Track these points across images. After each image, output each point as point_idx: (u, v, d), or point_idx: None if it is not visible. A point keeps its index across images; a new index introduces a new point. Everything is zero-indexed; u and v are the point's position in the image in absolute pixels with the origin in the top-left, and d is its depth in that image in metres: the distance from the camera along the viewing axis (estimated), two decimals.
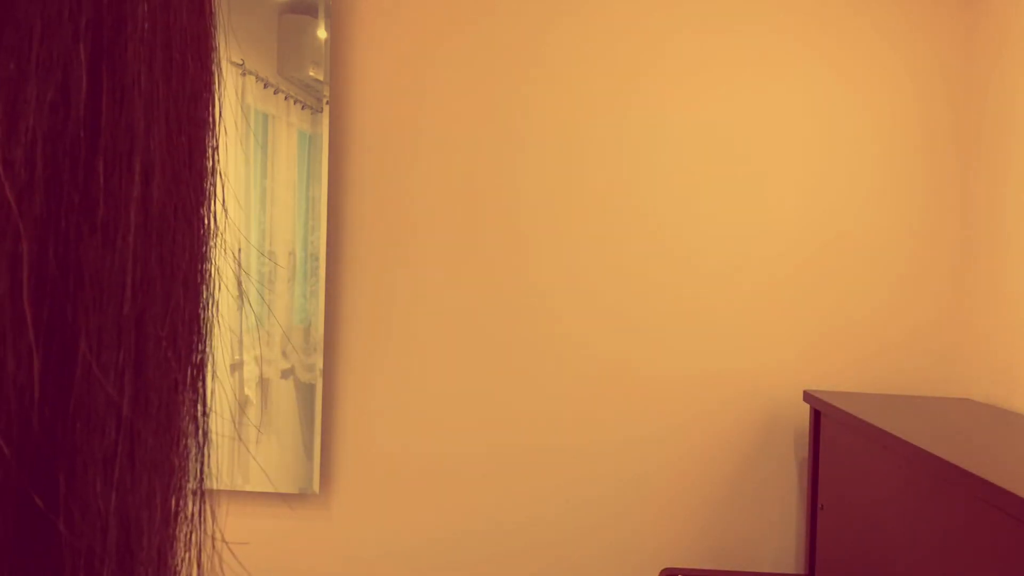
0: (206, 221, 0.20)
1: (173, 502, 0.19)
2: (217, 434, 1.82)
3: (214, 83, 0.19)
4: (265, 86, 1.78)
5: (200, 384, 0.20)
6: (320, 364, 1.81)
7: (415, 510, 1.84)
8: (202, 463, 0.20)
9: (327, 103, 1.79)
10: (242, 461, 1.82)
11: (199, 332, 0.19)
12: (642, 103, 1.82)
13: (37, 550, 0.15)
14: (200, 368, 0.20)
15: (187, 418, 0.19)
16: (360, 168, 1.83)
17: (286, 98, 1.80)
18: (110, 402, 0.16)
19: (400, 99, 1.83)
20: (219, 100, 0.19)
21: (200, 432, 0.20)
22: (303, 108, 1.81)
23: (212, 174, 0.20)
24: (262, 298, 1.80)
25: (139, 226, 0.16)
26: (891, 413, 1.45)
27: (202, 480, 0.20)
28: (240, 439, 1.82)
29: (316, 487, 1.82)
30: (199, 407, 0.20)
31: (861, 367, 1.80)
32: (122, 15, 0.15)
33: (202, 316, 0.20)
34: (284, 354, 1.84)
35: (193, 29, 0.18)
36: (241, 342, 1.78)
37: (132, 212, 0.16)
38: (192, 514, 0.20)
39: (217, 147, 0.20)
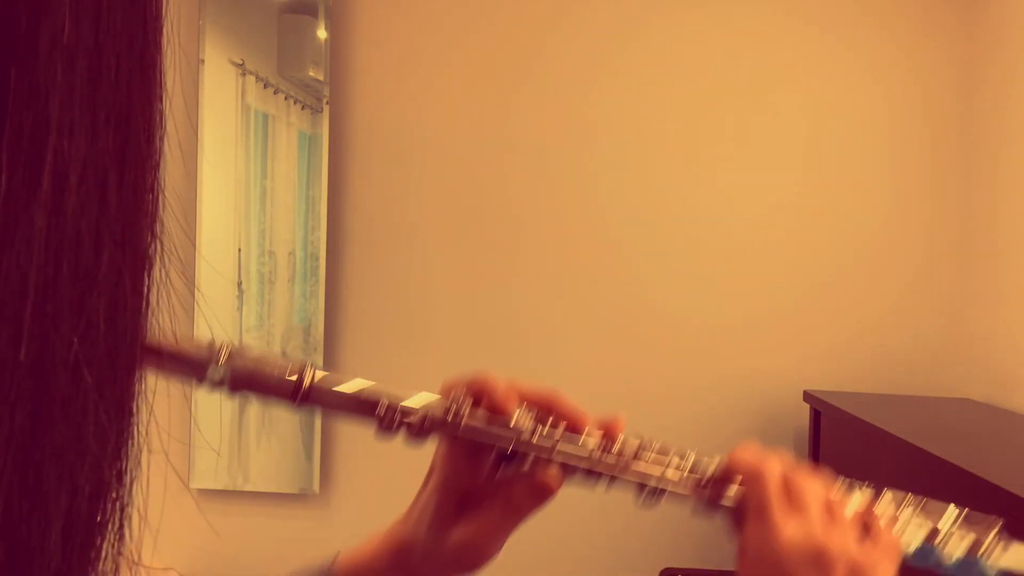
0: (148, 231, 0.18)
1: (78, 534, 0.17)
2: (220, 437, 1.82)
3: (157, 92, 0.18)
4: (265, 86, 1.78)
5: (130, 403, 0.18)
6: (320, 364, 1.80)
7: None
8: (120, 491, 0.18)
9: (327, 103, 1.79)
10: (242, 461, 1.82)
11: (128, 349, 0.18)
12: (643, 101, 1.82)
13: None
14: (127, 386, 0.18)
15: (107, 442, 0.18)
16: (360, 168, 1.83)
17: (286, 98, 1.80)
18: None
19: (400, 99, 1.83)
20: (165, 110, 0.18)
21: (123, 459, 0.18)
22: (303, 108, 1.81)
23: (155, 184, 0.18)
24: (260, 303, 1.80)
25: (48, 232, 0.15)
26: (891, 413, 1.45)
27: (121, 511, 0.18)
28: (240, 439, 1.82)
29: (316, 487, 1.82)
30: (126, 431, 0.18)
31: (861, 367, 1.80)
32: (38, 13, 0.15)
33: (134, 333, 0.18)
34: (284, 354, 1.84)
35: (131, 34, 0.17)
36: (241, 342, 1.78)
37: (39, 216, 0.15)
38: (107, 547, 0.18)
39: (160, 159, 0.18)
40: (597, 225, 1.82)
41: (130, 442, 0.19)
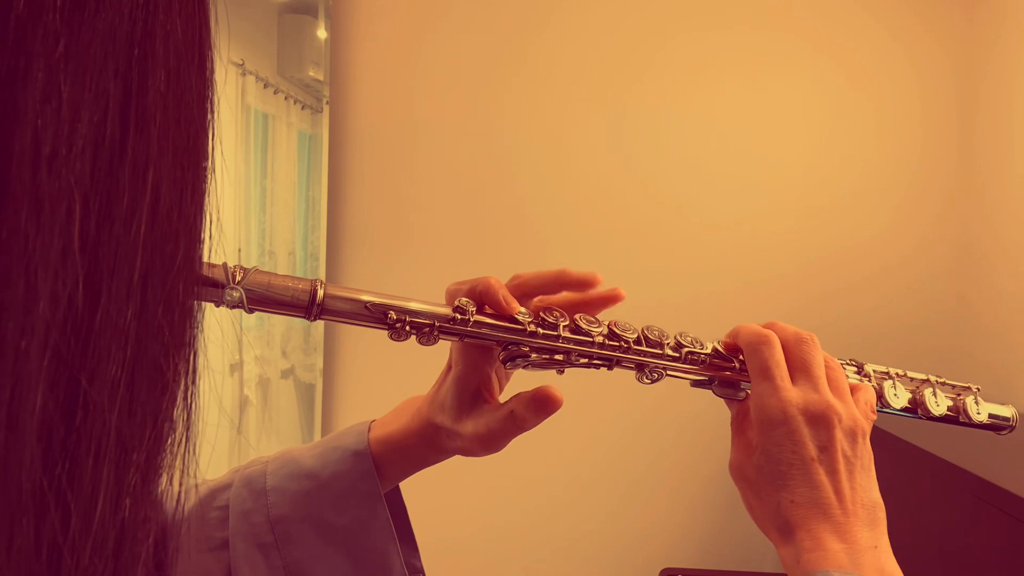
0: (202, 231, 0.26)
1: (152, 477, 0.23)
2: (217, 428, 1.82)
3: (210, 130, 0.26)
4: (265, 86, 1.78)
5: (191, 360, 0.25)
6: (320, 364, 1.80)
7: (412, 512, 1.84)
8: (186, 447, 0.25)
9: (327, 103, 1.79)
10: (243, 460, 1.82)
11: (191, 323, 0.25)
12: (643, 97, 1.82)
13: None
14: (190, 349, 0.25)
15: (173, 394, 0.24)
16: (360, 168, 1.83)
17: (286, 98, 1.80)
18: (119, 334, 0.22)
19: (400, 99, 1.83)
20: (212, 143, 0.26)
21: (186, 417, 0.25)
22: (303, 108, 1.81)
23: (207, 193, 0.26)
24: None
25: (148, 222, 0.22)
26: None
27: (185, 459, 0.25)
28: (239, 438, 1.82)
29: None
30: (186, 384, 0.25)
31: None
32: (145, 73, 0.22)
33: (193, 312, 0.25)
34: (284, 354, 1.84)
35: (198, 90, 0.25)
36: (241, 342, 1.78)
37: (144, 210, 0.22)
38: (172, 491, 0.25)
39: (209, 177, 0.26)
40: (605, 223, 1.82)
41: (193, 412, 0.26)
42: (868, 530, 0.49)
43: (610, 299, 0.54)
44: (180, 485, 0.25)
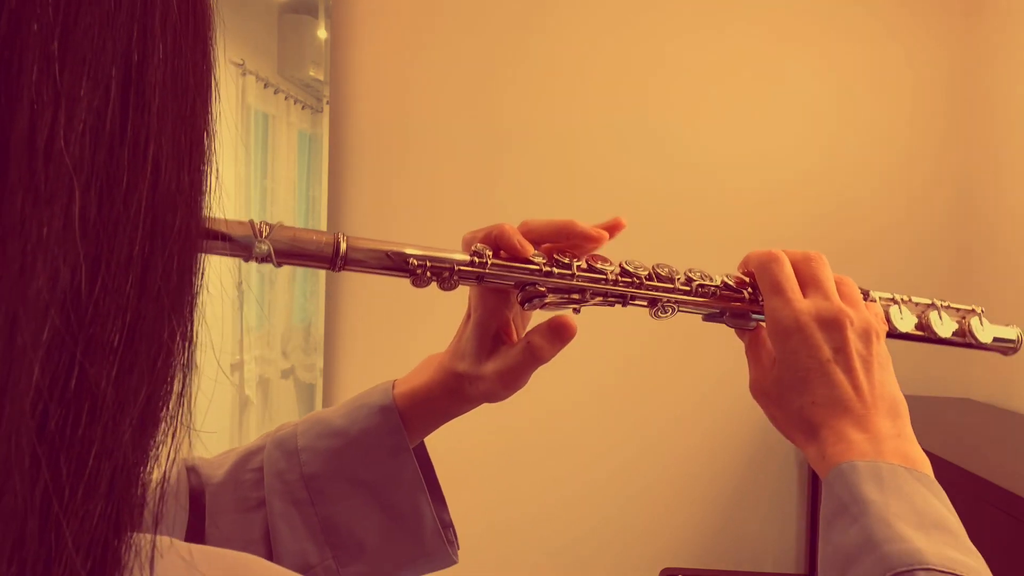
0: (202, 199, 0.26)
1: (147, 430, 0.24)
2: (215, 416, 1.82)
3: (211, 110, 0.26)
4: (265, 86, 1.78)
5: (188, 324, 0.25)
6: (320, 364, 1.80)
7: None
8: (180, 404, 0.26)
9: (327, 103, 1.79)
10: None
11: (189, 287, 0.25)
12: (642, 99, 1.82)
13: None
14: (189, 312, 0.25)
15: (173, 354, 0.25)
16: (360, 168, 1.83)
17: (286, 98, 1.80)
18: (121, 306, 0.22)
19: (400, 99, 1.83)
20: (214, 124, 0.26)
21: (183, 377, 0.25)
22: (303, 108, 1.81)
23: (207, 173, 0.26)
24: (260, 303, 1.80)
25: (149, 195, 0.23)
26: None
27: (180, 415, 0.26)
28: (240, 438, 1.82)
29: None
30: (184, 345, 0.25)
31: None
32: (144, 53, 0.22)
33: (192, 277, 0.25)
34: (284, 354, 1.84)
35: (197, 69, 0.25)
36: (241, 342, 1.78)
37: (145, 185, 0.22)
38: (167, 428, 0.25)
39: (210, 158, 0.26)
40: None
41: (191, 362, 0.26)
42: (890, 420, 0.50)
43: (613, 228, 0.57)
44: (174, 438, 0.26)
